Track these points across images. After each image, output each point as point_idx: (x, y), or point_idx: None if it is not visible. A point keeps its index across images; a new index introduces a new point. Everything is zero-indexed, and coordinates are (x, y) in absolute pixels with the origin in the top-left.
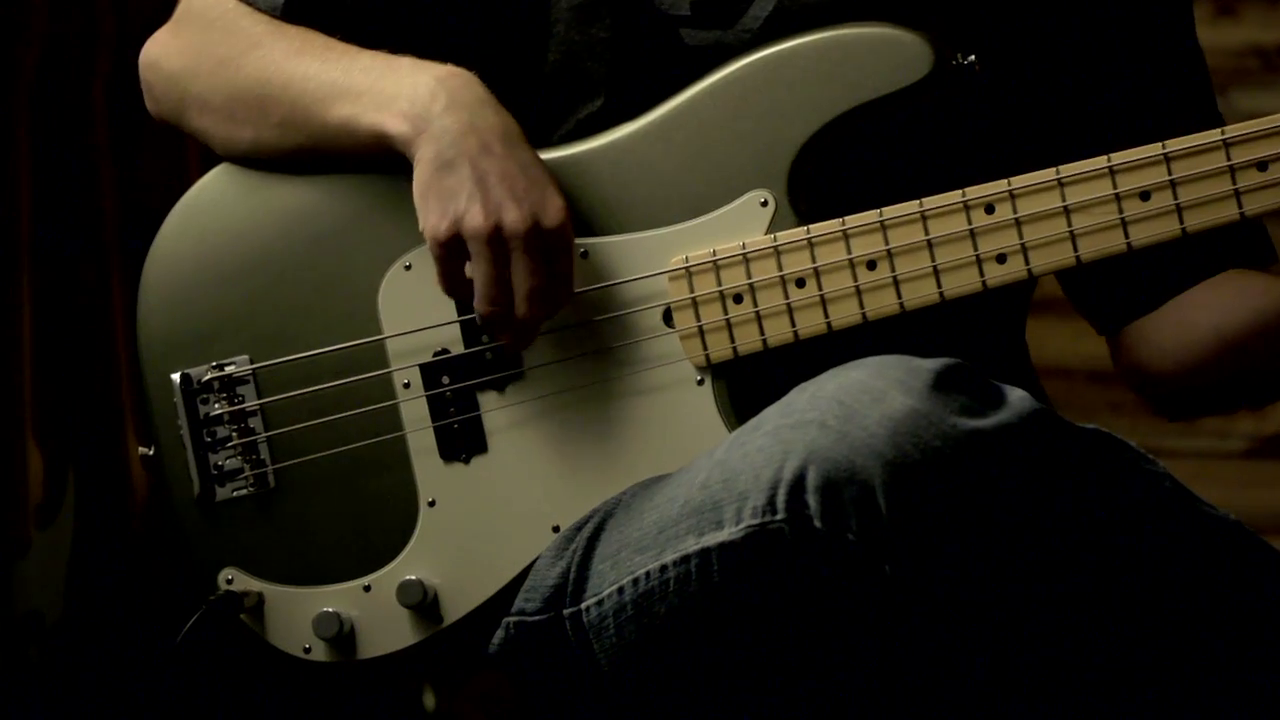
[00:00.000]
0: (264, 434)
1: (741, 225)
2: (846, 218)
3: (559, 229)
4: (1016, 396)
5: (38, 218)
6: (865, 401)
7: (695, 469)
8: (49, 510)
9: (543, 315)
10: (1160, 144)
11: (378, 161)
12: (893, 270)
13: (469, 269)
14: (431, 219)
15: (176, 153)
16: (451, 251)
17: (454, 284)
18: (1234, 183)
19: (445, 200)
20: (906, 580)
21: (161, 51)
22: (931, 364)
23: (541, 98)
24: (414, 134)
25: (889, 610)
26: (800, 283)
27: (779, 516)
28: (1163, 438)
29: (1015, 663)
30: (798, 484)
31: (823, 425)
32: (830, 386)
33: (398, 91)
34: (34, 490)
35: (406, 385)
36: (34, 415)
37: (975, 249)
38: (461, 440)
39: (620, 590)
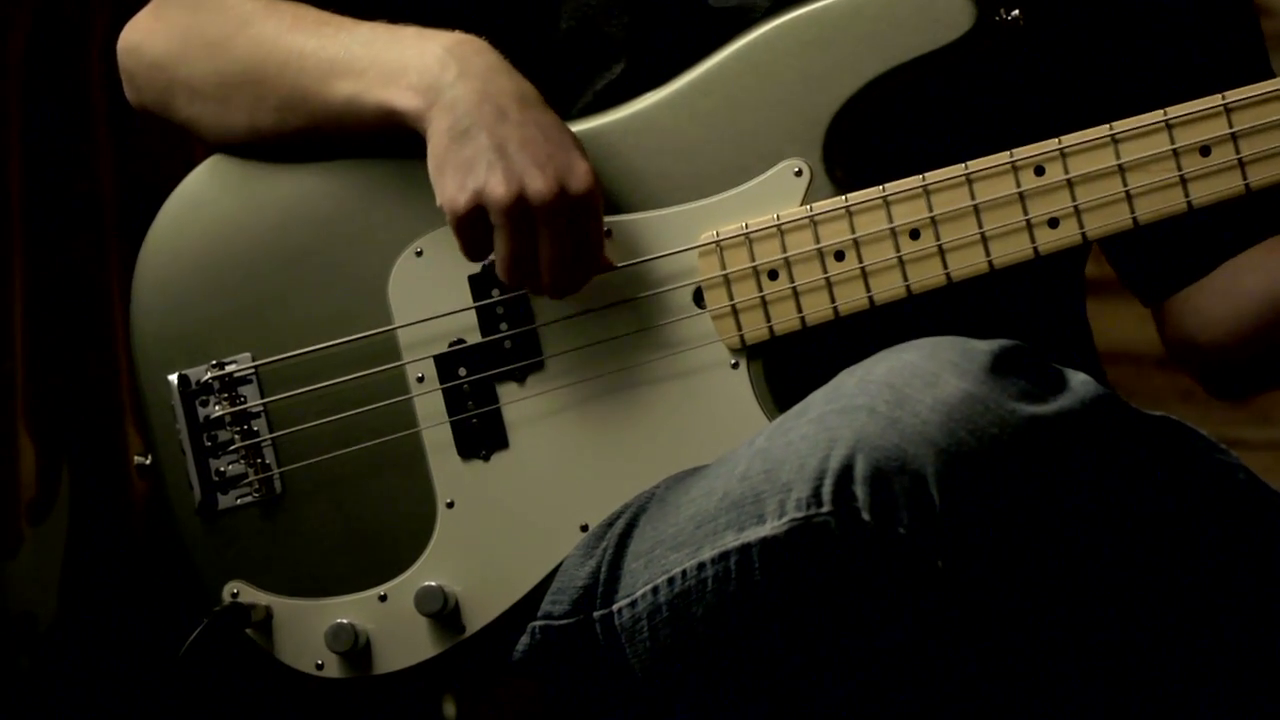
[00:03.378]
0: (269, 436)
1: (775, 197)
2: (887, 185)
3: (586, 194)
4: (1079, 381)
5: (30, 193)
6: (917, 385)
7: (734, 459)
8: (42, 506)
9: (572, 287)
10: (1220, 95)
11: (382, 144)
12: (937, 239)
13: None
14: (449, 191)
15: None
16: (472, 225)
17: (479, 256)
18: None
19: (463, 171)
20: (960, 576)
21: (143, 36)
22: (988, 345)
23: (556, 69)
24: (425, 107)
25: (942, 608)
26: (839, 255)
27: (825, 509)
28: (1236, 427)
29: (1077, 663)
30: (845, 474)
31: (872, 411)
32: (880, 369)
33: (404, 64)
34: (26, 485)
35: (420, 379)
36: (26, 405)
37: (1025, 213)
38: (480, 436)
39: (655, 590)
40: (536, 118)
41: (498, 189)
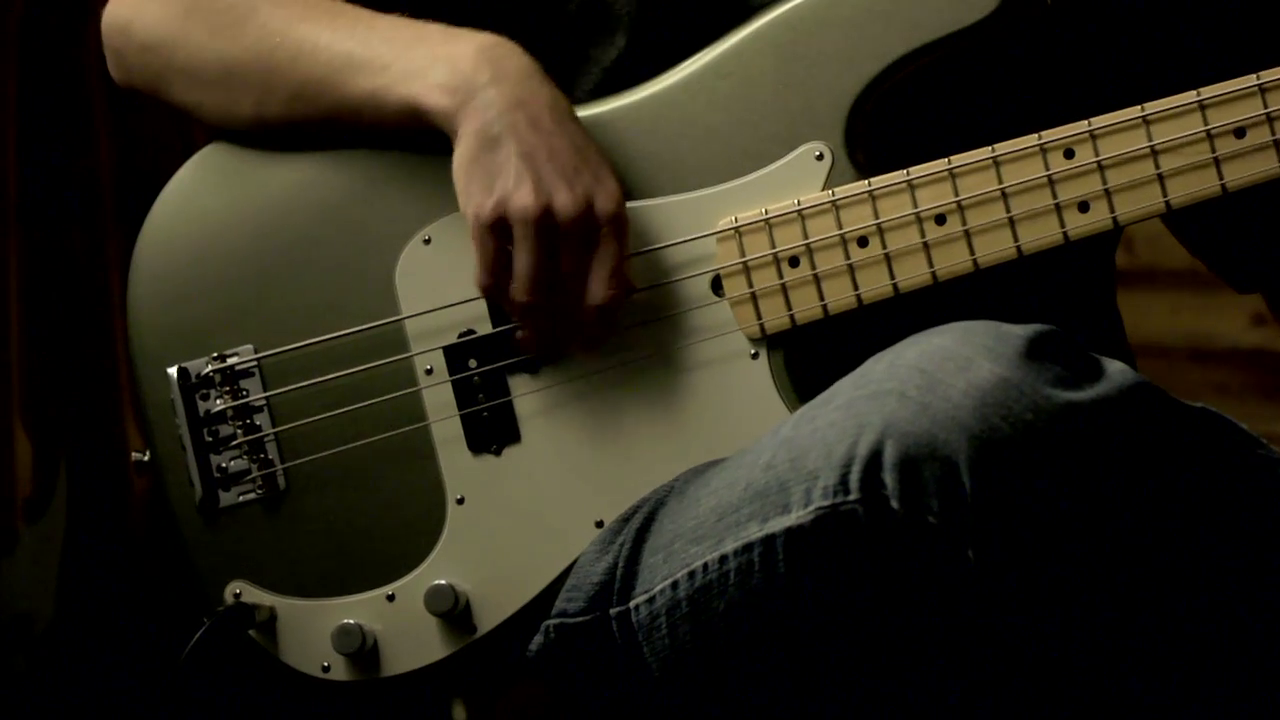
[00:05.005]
0: (272, 430)
1: (795, 181)
2: (911, 168)
3: (614, 215)
4: (1116, 368)
5: (26, 177)
6: (949, 370)
7: (758, 449)
8: (39, 503)
9: (591, 312)
10: (1254, 75)
11: (392, 134)
12: (964, 223)
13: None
14: (475, 199)
15: None
16: (495, 235)
17: (493, 272)
18: None
19: (490, 179)
20: (992, 567)
21: (132, 13)
22: (1023, 330)
23: (562, 44)
24: (455, 108)
25: (973, 600)
26: (862, 241)
27: (852, 497)
28: (1274, 422)
29: (1111, 656)
30: (873, 461)
31: (902, 396)
32: (910, 354)
33: (432, 62)
34: (22, 481)
35: (429, 371)
36: (23, 399)
37: (1054, 197)
38: (491, 429)
39: (674, 585)
40: (569, 130)
41: (525, 199)
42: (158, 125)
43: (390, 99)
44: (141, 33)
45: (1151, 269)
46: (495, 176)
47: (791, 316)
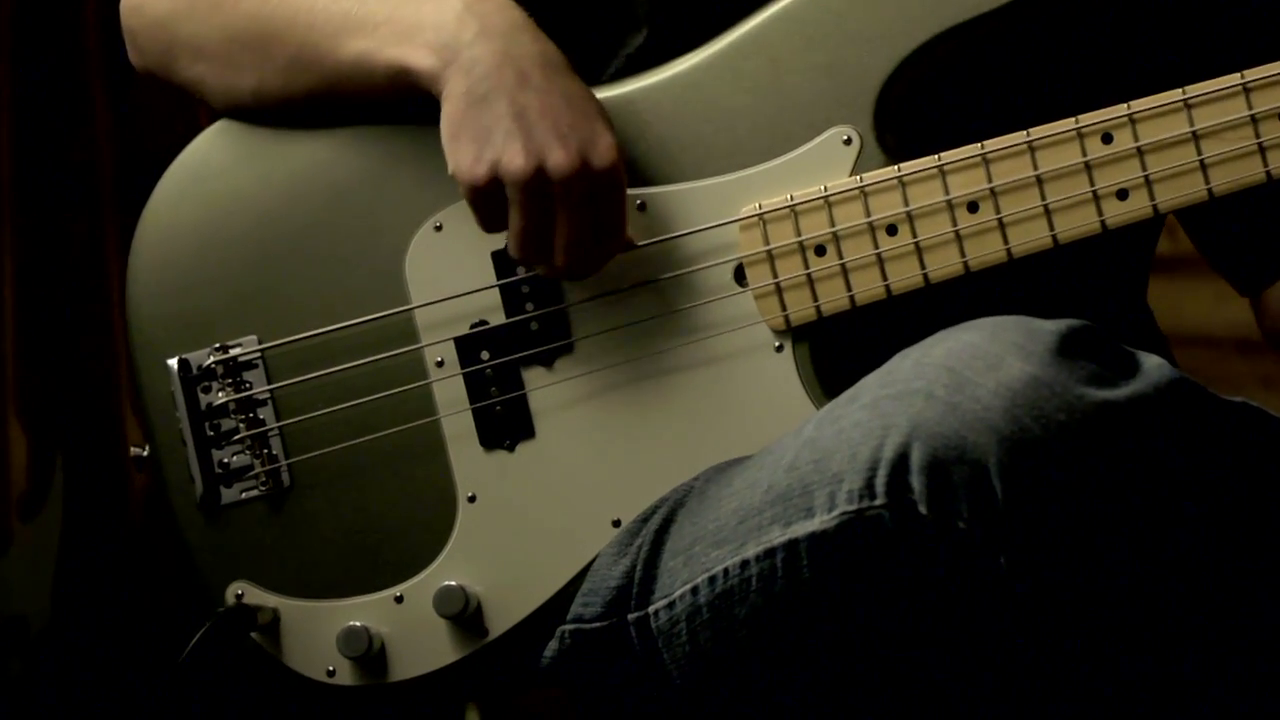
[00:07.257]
0: (276, 425)
1: (822, 166)
2: (942, 154)
3: (609, 170)
4: (1152, 364)
5: (21, 165)
6: (979, 368)
7: (781, 449)
8: (34, 501)
9: (588, 270)
10: None
11: (397, 110)
12: (997, 211)
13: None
14: (465, 161)
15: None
16: (487, 198)
17: (493, 231)
18: None
19: (479, 139)
20: (1024, 573)
21: None
22: (1055, 325)
23: (585, 32)
24: (441, 66)
25: (1004, 608)
26: (891, 230)
27: (878, 501)
28: None
29: (1151, 662)
30: (900, 463)
31: (929, 396)
32: (938, 351)
33: (420, 20)
34: (17, 478)
35: (440, 363)
36: (18, 392)
37: (1092, 184)
38: (505, 424)
39: (694, 590)
40: (560, 84)
41: (515, 161)
42: (159, 107)
43: (378, 61)
44: (152, 11)
45: (1196, 256)
46: (485, 137)
47: (817, 308)
